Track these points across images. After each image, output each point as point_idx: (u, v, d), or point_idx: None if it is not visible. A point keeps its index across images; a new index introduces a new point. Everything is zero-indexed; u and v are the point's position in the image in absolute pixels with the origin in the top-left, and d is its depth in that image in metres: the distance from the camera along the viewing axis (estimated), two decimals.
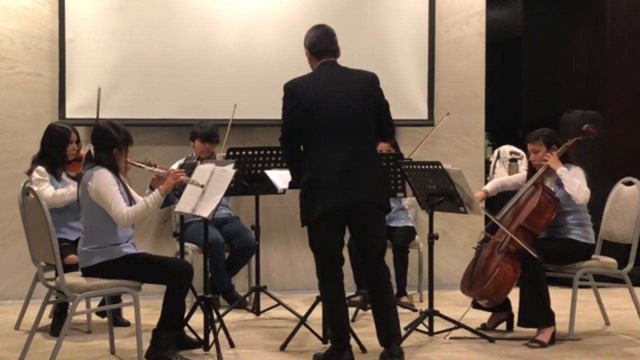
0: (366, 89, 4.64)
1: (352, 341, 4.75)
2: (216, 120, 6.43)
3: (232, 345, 5.13)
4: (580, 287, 5.50)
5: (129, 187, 4.85)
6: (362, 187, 4.53)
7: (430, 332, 5.43)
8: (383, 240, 4.76)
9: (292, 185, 5.26)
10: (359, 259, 4.75)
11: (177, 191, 4.94)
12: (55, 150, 5.57)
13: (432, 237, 5.46)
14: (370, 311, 5.99)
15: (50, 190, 5.42)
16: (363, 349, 4.97)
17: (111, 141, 4.75)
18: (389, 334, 4.62)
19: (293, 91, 4.59)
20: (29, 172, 5.54)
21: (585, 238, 5.48)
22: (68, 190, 5.43)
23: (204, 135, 6.27)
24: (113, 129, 4.78)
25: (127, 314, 5.63)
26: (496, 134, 8.58)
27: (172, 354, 4.68)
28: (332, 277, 4.65)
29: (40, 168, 5.51)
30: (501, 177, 6.03)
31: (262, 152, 5.91)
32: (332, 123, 4.53)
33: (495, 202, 6.11)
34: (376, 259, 4.67)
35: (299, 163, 4.63)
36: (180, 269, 4.77)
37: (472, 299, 5.59)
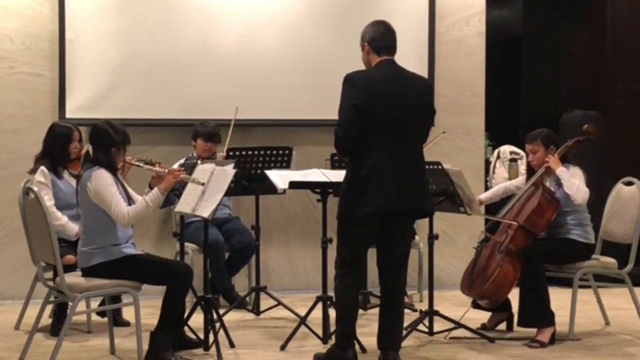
0: (423, 95, 4.63)
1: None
2: (216, 120, 6.43)
3: (232, 345, 5.13)
4: (580, 287, 5.50)
5: (127, 186, 4.86)
6: (412, 192, 4.52)
7: (430, 332, 5.43)
8: (409, 244, 4.76)
9: (292, 185, 5.26)
10: (380, 260, 4.69)
11: (177, 191, 4.94)
12: (58, 148, 5.58)
13: (432, 237, 5.46)
14: (370, 311, 6.02)
15: (49, 202, 5.38)
16: (363, 349, 4.97)
17: (109, 141, 4.74)
18: (389, 341, 4.61)
19: (359, 83, 4.48)
20: (32, 172, 5.54)
21: (585, 238, 5.48)
22: (62, 218, 5.42)
23: (206, 134, 6.27)
24: (111, 129, 4.77)
25: (127, 314, 5.63)
26: (496, 134, 8.58)
27: (171, 355, 4.67)
28: (354, 272, 4.62)
29: (44, 169, 5.50)
30: (504, 183, 6.00)
31: (262, 152, 5.91)
32: (391, 123, 4.47)
33: (495, 202, 6.10)
34: (399, 262, 4.66)
35: (354, 153, 4.53)
36: (180, 272, 4.76)
37: (472, 299, 5.59)
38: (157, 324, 4.72)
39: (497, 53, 8.65)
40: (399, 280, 4.69)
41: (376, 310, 4.79)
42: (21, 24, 6.66)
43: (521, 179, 5.86)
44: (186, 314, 5.02)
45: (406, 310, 5.96)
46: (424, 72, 7.06)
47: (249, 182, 5.92)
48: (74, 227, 5.39)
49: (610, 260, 5.64)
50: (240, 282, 6.67)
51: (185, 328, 5.06)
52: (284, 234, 7.14)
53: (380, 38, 4.61)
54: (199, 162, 5.07)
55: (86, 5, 6.67)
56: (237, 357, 5.00)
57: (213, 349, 4.93)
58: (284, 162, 5.97)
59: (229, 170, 4.81)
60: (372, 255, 4.74)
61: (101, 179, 4.63)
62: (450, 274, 7.21)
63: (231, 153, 5.84)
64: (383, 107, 4.46)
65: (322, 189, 5.24)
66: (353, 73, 4.55)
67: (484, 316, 5.67)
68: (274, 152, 5.94)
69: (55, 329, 5.33)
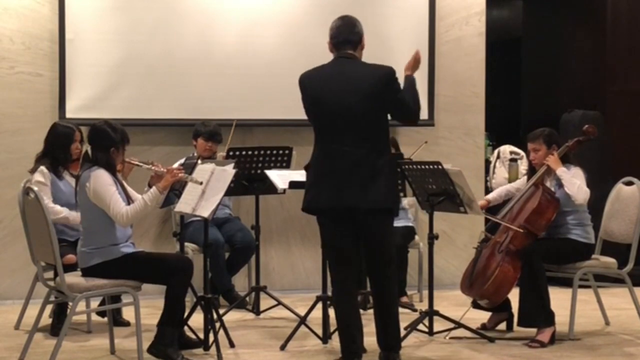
0: (374, 88, 4.44)
1: None
2: (216, 120, 6.43)
3: (232, 345, 5.13)
4: (580, 287, 5.50)
5: (126, 186, 4.86)
6: (356, 190, 4.40)
7: (430, 332, 5.43)
8: (389, 245, 4.59)
9: (292, 185, 5.26)
10: (366, 262, 4.64)
11: (177, 191, 4.94)
12: (59, 149, 5.57)
13: (432, 237, 5.46)
14: (370, 311, 6.01)
15: (48, 201, 5.39)
16: (363, 349, 4.96)
17: (108, 140, 4.74)
18: (387, 340, 4.61)
19: (301, 83, 4.59)
20: (32, 171, 5.54)
21: (585, 238, 5.48)
22: (63, 211, 5.42)
23: (207, 133, 6.27)
24: (110, 128, 4.77)
25: (127, 314, 5.63)
26: (496, 134, 8.58)
27: (174, 352, 4.67)
28: (340, 278, 4.54)
29: (43, 169, 5.50)
30: (506, 185, 5.99)
31: (262, 152, 5.91)
32: (330, 122, 4.47)
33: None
34: (383, 265, 4.56)
35: None
36: (180, 265, 4.77)
37: (472, 299, 5.59)
38: (162, 317, 4.72)
39: (497, 53, 8.65)
40: (387, 280, 4.59)
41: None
42: (21, 24, 6.66)
43: (522, 180, 5.85)
44: (186, 314, 5.02)
45: (406, 310, 5.99)
46: (424, 72, 7.07)
47: (249, 182, 5.92)
48: (77, 216, 5.24)
49: (610, 260, 5.64)
50: (240, 282, 6.67)
51: (185, 328, 5.06)
52: (284, 234, 7.14)
53: (333, 35, 4.64)
54: (199, 162, 5.07)
55: (86, 5, 6.67)
56: (237, 357, 5.00)
57: (213, 349, 4.93)
58: (284, 162, 5.98)
59: (229, 170, 4.81)
60: None
61: (100, 179, 4.63)
62: (450, 274, 7.21)
63: (231, 153, 5.85)
64: (323, 104, 4.49)
65: None
66: (303, 74, 4.63)
67: (484, 316, 5.67)
68: (274, 152, 5.95)
69: (55, 329, 5.33)
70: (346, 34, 4.59)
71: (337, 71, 4.54)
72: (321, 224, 4.61)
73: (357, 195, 4.41)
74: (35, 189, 4.65)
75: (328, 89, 4.49)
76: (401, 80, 4.58)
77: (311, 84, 4.55)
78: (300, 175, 5.38)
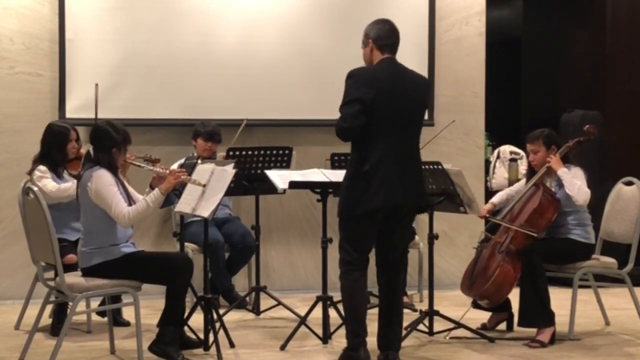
0: (423, 92, 4.70)
1: None
2: (216, 120, 6.44)
3: (232, 345, 5.13)
4: (580, 287, 5.50)
5: (127, 186, 4.86)
6: (413, 187, 4.57)
7: (430, 332, 5.44)
8: (408, 241, 4.78)
9: (292, 185, 5.26)
10: (380, 259, 4.71)
11: (177, 191, 4.94)
12: (56, 149, 5.58)
13: (432, 237, 5.46)
14: (370, 311, 6.00)
15: (54, 184, 5.44)
16: None
17: (110, 141, 4.74)
18: (389, 340, 4.63)
19: (363, 78, 4.51)
20: (30, 172, 5.54)
21: (585, 238, 5.48)
22: (73, 184, 5.42)
23: (206, 133, 6.27)
24: (112, 129, 4.77)
25: (127, 314, 5.63)
26: (496, 134, 8.58)
27: (175, 352, 4.67)
28: (359, 268, 4.62)
29: (42, 167, 5.51)
30: (505, 190, 5.98)
31: (262, 152, 5.92)
32: (395, 119, 4.51)
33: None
34: (399, 261, 4.68)
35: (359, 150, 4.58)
36: (180, 264, 4.76)
37: (472, 299, 5.59)
38: (163, 316, 4.72)
39: (497, 53, 8.65)
40: (399, 280, 4.71)
41: (376, 310, 4.79)
42: (21, 24, 6.66)
43: (521, 183, 5.83)
44: (186, 314, 5.02)
45: (406, 310, 5.97)
46: (424, 72, 7.03)
47: (249, 182, 5.93)
48: None
49: (610, 260, 5.64)
50: (240, 282, 6.67)
51: (185, 328, 5.05)
52: (284, 234, 7.14)
53: (386, 36, 4.65)
54: (199, 162, 5.07)
55: (86, 5, 6.67)
56: (237, 357, 5.00)
57: (213, 349, 4.93)
58: (284, 162, 5.98)
59: (229, 170, 4.81)
60: (370, 254, 4.73)
61: (102, 179, 4.63)
62: (450, 274, 7.21)
63: (231, 153, 5.85)
64: (388, 103, 4.49)
65: (322, 189, 5.24)
66: (357, 69, 4.59)
67: (484, 316, 5.67)
68: (274, 152, 5.95)
69: (55, 329, 5.33)
70: (395, 38, 4.68)
71: (396, 72, 4.61)
72: (367, 221, 4.54)
73: (417, 191, 4.63)
74: (36, 188, 4.65)
75: (394, 88, 4.54)
76: None
77: (377, 81, 4.51)
78: (300, 175, 5.38)
